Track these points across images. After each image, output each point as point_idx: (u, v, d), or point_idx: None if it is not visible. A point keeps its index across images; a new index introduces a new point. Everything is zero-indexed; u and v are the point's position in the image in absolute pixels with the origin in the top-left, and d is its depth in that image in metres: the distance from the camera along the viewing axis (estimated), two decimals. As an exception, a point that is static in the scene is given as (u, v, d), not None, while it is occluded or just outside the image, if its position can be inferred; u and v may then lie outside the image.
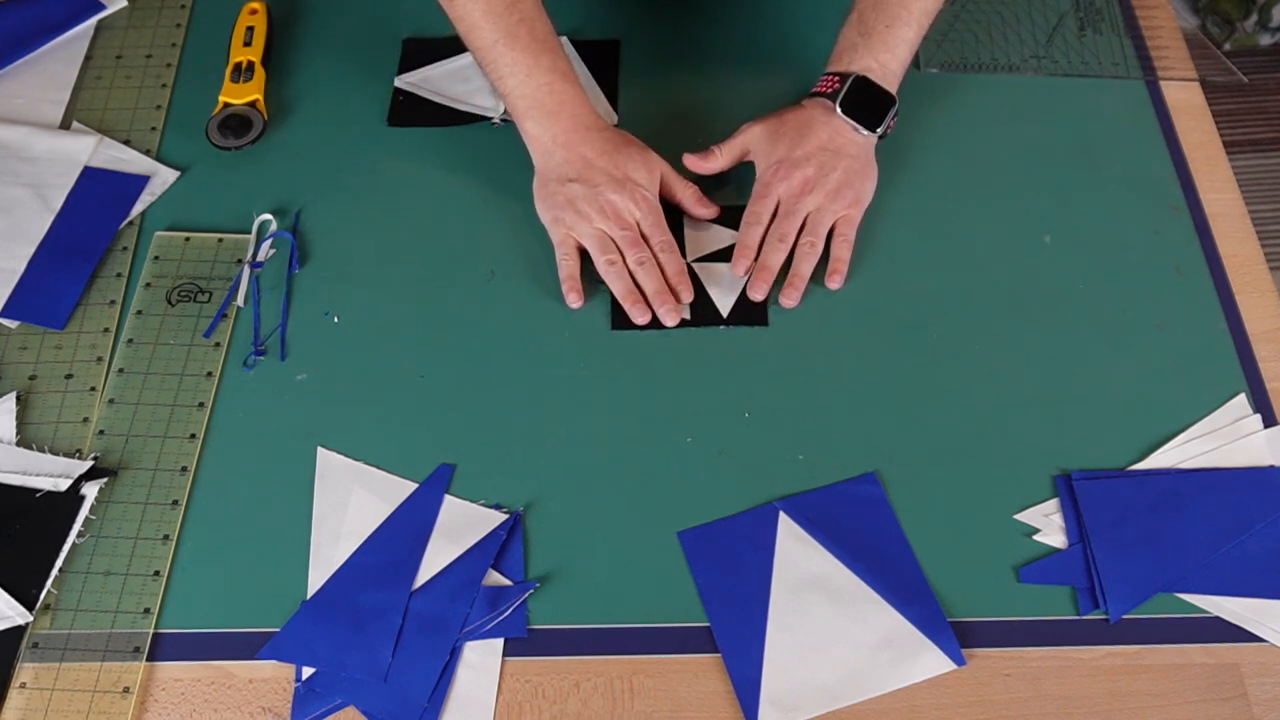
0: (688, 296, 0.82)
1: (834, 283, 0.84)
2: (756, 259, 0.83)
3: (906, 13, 0.86)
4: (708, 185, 0.89)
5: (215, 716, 0.68)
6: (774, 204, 0.84)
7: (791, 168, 0.84)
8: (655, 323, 0.82)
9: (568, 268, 0.83)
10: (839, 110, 0.84)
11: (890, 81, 0.86)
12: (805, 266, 0.83)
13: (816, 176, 0.84)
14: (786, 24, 1.01)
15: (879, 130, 0.85)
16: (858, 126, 0.85)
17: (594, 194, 0.82)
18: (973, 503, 0.75)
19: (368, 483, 0.76)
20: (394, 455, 0.77)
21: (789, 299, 0.83)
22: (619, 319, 0.83)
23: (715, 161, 0.87)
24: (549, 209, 0.84)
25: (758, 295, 0.82)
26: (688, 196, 0.86)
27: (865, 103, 0.85)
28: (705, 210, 0.86)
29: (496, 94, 0.87)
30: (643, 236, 0.84)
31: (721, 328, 0.83)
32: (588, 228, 0.83)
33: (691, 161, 0.86)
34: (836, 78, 0.85)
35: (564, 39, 0.98)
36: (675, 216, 0.88)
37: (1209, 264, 0.86)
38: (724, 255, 0.86)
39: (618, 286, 0.82)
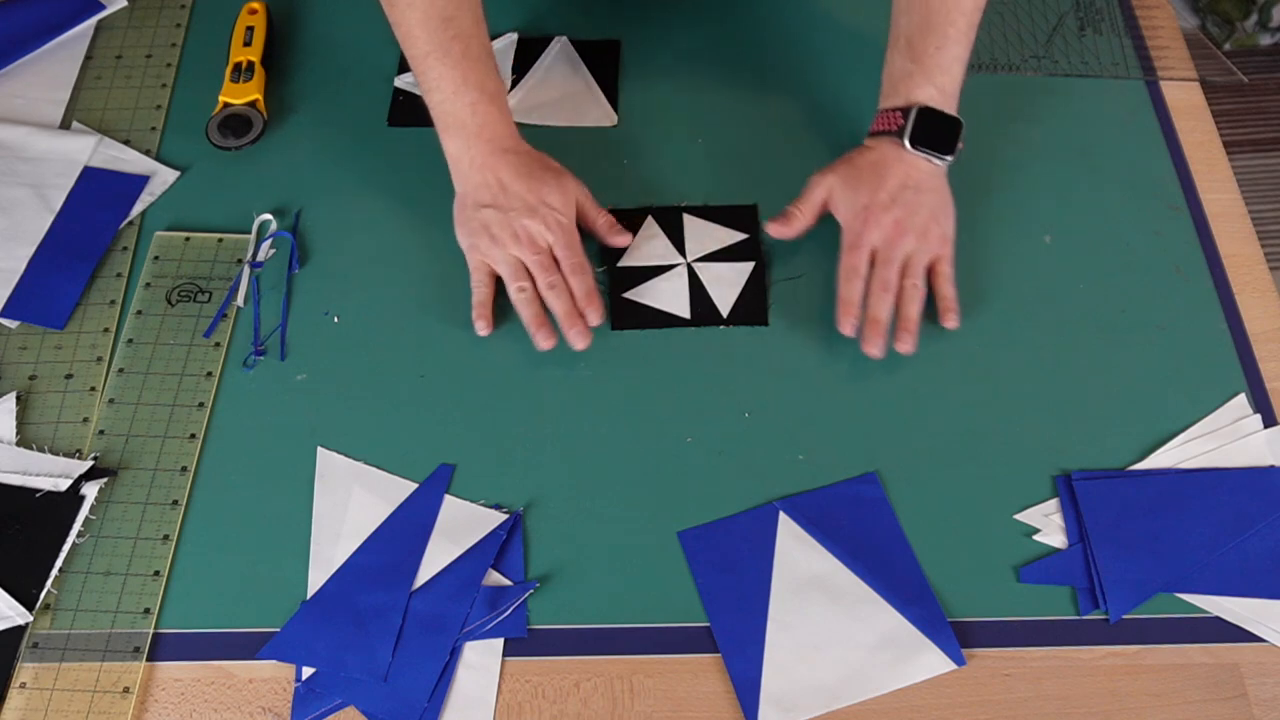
0: (595, 319, 0.80)
1: (951, 322, 0.81)
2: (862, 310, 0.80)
3: (955, 30, 0.82)
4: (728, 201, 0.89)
5: (215, 716, 0.68)
6: (869, 254, 0.81)
7: (880, 212, 0.80)
8: (651, 320, 0.82)
9: (480, 294, 0.82)
10: (909, 146, 0.81)
11: (951, 105, 0.83)
12: (914, 309, 0.80)
13: (905, 218, 0.80)
14: (787, 23, 1.01)
15: (952, 157, 0.83)
16: (930, 157, 0.82)
17: (508, 219, 0.81)
18: (973, 503, 0.75)
19: (368, 483, 0.76)
20: (394, 455, 0.77)
21: (906, 345, 0.79)
22: (620, 319, 0.83)
23: (798, 222, 0.84)
24: (465, 235, 0.83)
25: (875, 352, 0.79)
26: (601, 224, 0.85)
27: (933, 132, 0.82)
28: (620, 238, 0.85)
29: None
30: (555, 261, 0.82)
31: (721, 327, 0.83)
32: (501, 253, 0.81)
33: (775, 229, 0.84)
34: (899, 113, 0.82)
35: (563, 38, 0.98)
36: (675, 219, 0.88)
37: (1209, 264, 0.86)
38: (723, 255, 0.86)
39: (526, 313, 0.81)
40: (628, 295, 0.84)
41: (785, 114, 0.95)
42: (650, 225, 0.87)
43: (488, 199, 0.82)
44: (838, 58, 0.98)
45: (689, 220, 0.88)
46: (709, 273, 0.85)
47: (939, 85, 0.82)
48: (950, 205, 0.83)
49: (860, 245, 0.81)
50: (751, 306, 0.84)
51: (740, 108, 0.95)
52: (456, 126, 0.83)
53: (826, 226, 0.88)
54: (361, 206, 0.89)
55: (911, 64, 0.83)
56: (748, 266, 0.85)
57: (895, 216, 0.81)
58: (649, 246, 0.86)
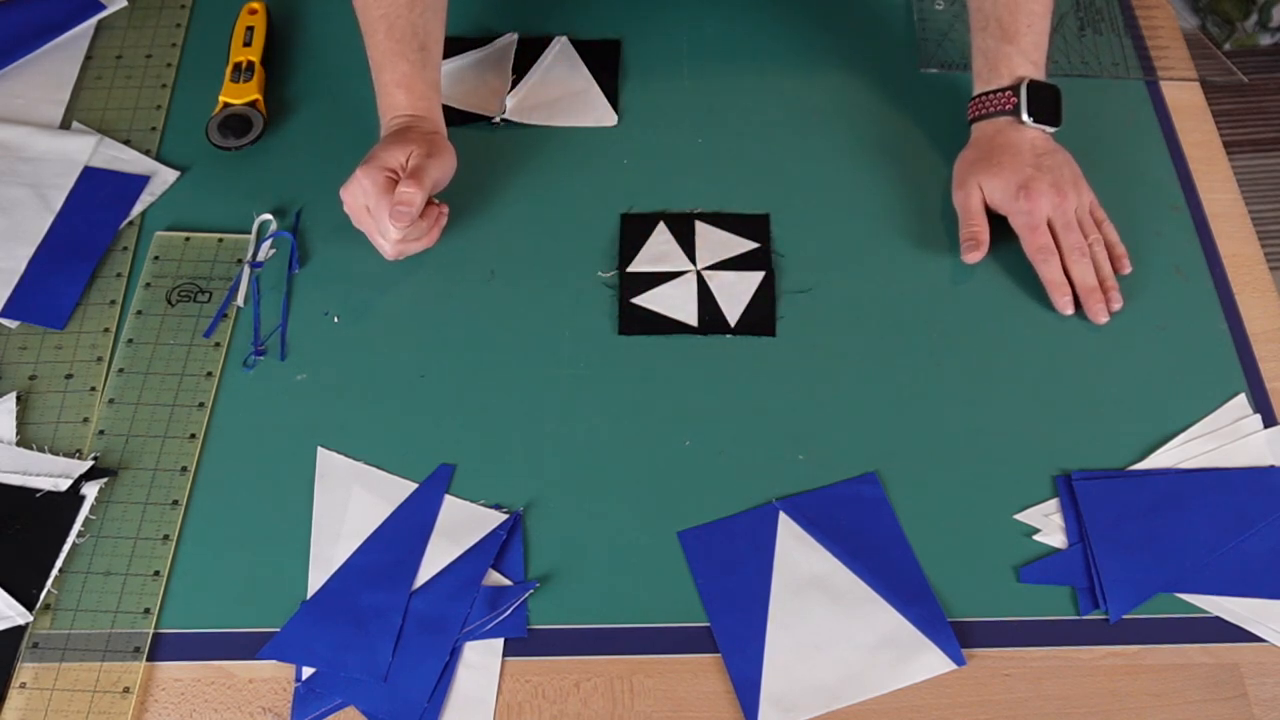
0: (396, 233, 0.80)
1: (1124, 267, 0.84)
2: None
3: (1040, 6, 0.86)
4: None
5: (215, 716, 0.68)
6: (1047, 229, 0.83)
7: (1036, 184, 0.83)
8: (658, 326, 0.82)
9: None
10: (1029, 121, 0.85)
11: (1044, 76, 0.87)
12: (1109, 265, 0.84)
13: (1057, 181, 0.84)
14: (787, 23, 1.01)
15: (1061, 125, 0.87)
16: (1045, 128, 0.86)
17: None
18: (973, 503, 0.75)
19: (368, 483, 0.76)
20: (394, 455, 0.77)
21: (1117, 303, 0.82)
22: (626, 325, 0.83)
23: (984, 237, 0.85)
24: None
25: (1104, 319, 0.82)
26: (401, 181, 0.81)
27: (1043, 104, 0.86)
28: (400, 203, 0.80)
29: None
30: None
31: (728, 336, 0.83)
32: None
33: (973, 257, 0.84)
34: (1009, 92, 0.86)
35: (563, 38, 0.99)
36: (688, 225, 0.88)
37: (1209, 264, 0.86)
38: (733, 264, 0.86)
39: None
40: (635, 300, 0.84)
41: (788, 113, 0.95)
42: (661, 231, 0.87)
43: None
44: (842, 57, 0.98)
45: (701, 227, 0.88)
46: (718, 281, 0.85)
47: (1035, 61, 0.87)
48: (1073, 159, 0.87)
49: (1037, 223, 0.83)
50: (760, 316, 0.83)
51: (742, 107, 0.95)
52: (378, 104, 0.86)
53: (831, 239, 0.88)
54: (361, 206, 0.89)
55: (1007, 45, 0.86)
56: (757, 276, 0.85)
57: (1050, 181, 0.84)
58: (659, 252, 0.86)
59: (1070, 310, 0.82)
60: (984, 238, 0.85)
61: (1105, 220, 0.86)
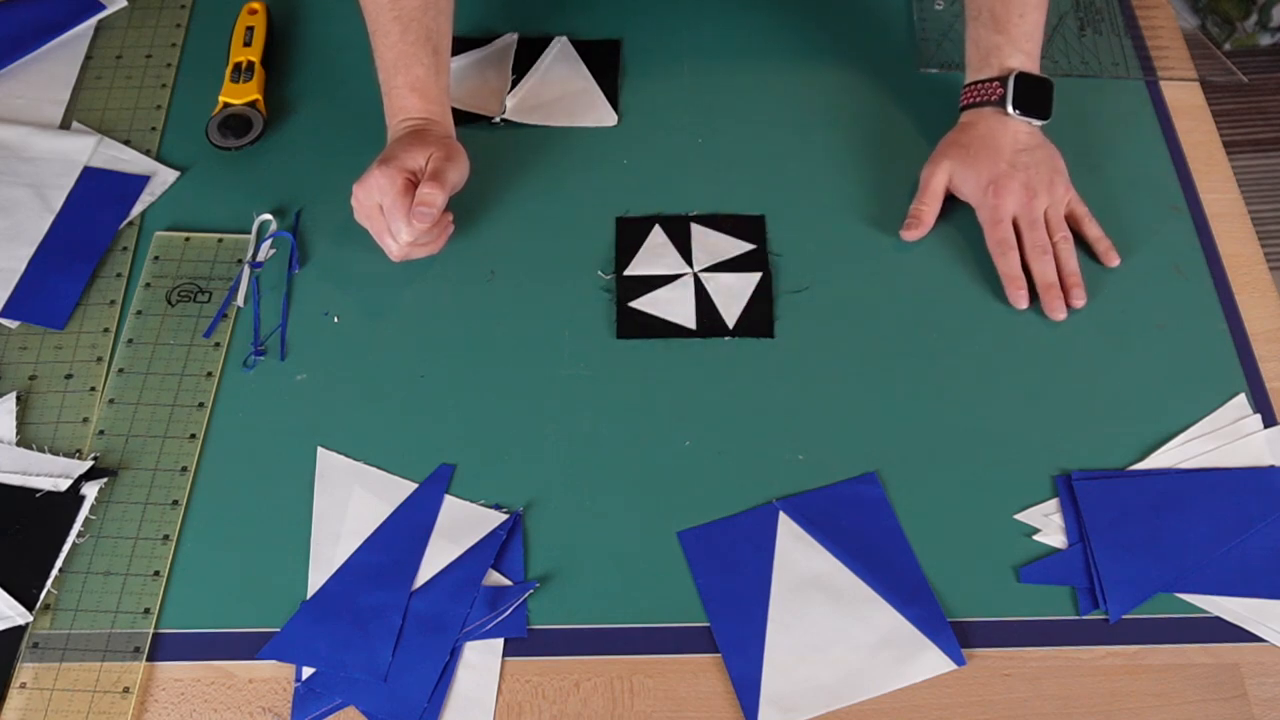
0: (405, 235, 0.80)
1: (1112, 259, 0.85)
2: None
3: None
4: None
5: (215, 716, 0.68)
6: (1011, 224, 0.84)
7: (1007, 180, 0.84)
8: (656, 330, 0.82)
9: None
10: (1012, 113, 0.85)
11: (1037, 69, 0.87)
12: (1073, 261, 0.84)
13: (1031, 179, 0.84)
14: (787, 23, 1.01)
15: (1050, 119, 0.87)
16: (1032, 121, 0.86)
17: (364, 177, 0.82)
18: (973, 503, 0.75)
19: (368, 483, 0.76)
20: (394, 455, 0.77)
21: (1079, 299, 0.82)
22: (624, 329, 0.83)
23: (927, 219, 0.86)
24: None
25: (1060, 315, 0.82)
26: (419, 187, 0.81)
27: (1030, 96, 0.86)
28: (418, 219, 0.80)
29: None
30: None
31: (726, 339, 0.83)
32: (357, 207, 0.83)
33: (910, 235, 0.86)
34: (996, 83, 0.86)
35: (563, 38, 0.98)
36: (683, 228, 0.88)
37: (1209, 264, 0.86)
38: (730, 265, 0.86)
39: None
40: (633, 304, 0.84)
41: (788, 113, 0.95)
42: (657, 234, 0.87)
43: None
44: (841, 56, 0.98)
45: (696, 230, 0.88)
46: (715, 283, 0.85)
47: (1027, 52, 0.86)
48: (1059, 155, 0.87)
49: (1001, 218, 0.84)
50: (758, 317, 0.83)
51: (742, 107, 0.95)
52: (386, 105, 0.86)
53: (829, 239, 0.88)
54: (361, 206, 0.89)
55: (998, 35, 0.86)
56: (755, 277, 0.85)
57: (1021, 180, 0.84)
58: (655, 256, 0.86)
59: (1024, 304, 0.83)
60: (928, 219, 0.86)
61: (1087, 216, 0.86)
